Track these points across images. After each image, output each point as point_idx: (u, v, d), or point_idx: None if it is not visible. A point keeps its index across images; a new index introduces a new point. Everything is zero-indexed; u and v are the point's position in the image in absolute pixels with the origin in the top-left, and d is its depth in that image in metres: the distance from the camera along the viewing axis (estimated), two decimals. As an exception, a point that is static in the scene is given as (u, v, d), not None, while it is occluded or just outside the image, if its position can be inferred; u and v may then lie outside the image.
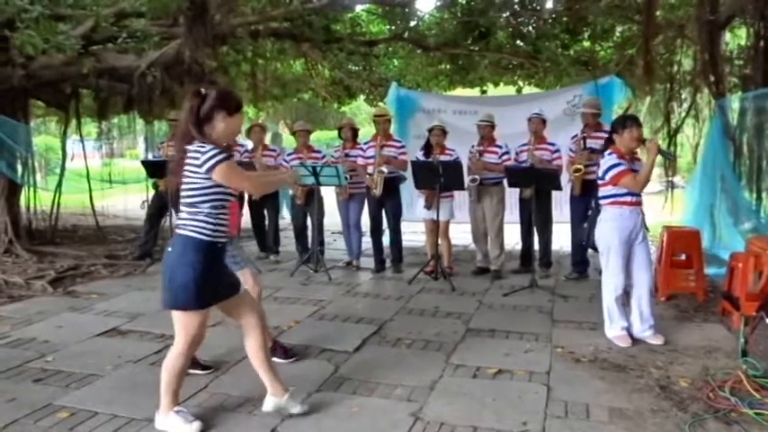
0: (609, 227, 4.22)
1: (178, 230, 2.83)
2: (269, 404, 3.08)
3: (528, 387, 3.47)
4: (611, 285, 4.25)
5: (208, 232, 2.79)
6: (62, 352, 4.00)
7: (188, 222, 2.80)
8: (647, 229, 4.40)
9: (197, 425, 2.91)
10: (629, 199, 4.16)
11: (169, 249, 2.84)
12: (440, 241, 6.33)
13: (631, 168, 4.15)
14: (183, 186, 2.80)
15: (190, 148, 2.77)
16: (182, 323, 2.89)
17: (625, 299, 4.31)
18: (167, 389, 2.93)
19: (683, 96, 8.61)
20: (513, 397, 3.32)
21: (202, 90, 2.83)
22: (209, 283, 2.82)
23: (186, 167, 2.77)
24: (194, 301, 2.82)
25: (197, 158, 2.73)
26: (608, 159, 4.20)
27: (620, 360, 3.88)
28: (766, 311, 3.46)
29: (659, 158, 4.25)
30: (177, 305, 2.84)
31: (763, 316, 3.42)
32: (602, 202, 4.29)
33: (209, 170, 2.72)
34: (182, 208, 2.83)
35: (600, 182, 4.29)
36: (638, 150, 4.36)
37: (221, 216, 2.85)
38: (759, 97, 6.32)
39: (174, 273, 2.78)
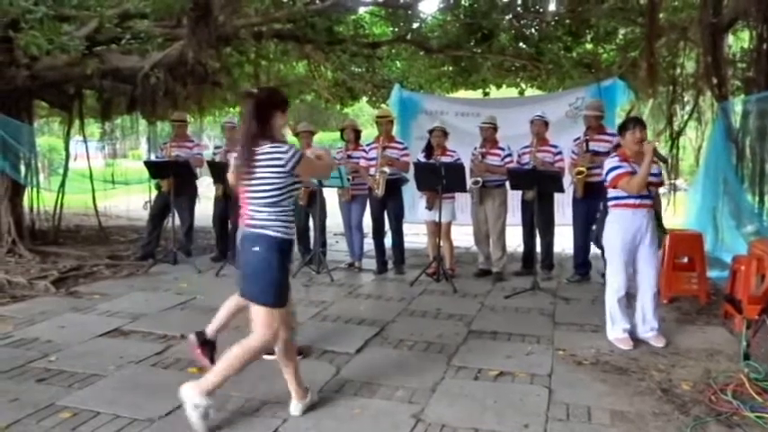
0: (613, 228, 4.23)
1: (260, 230, 2.90)
2: (296, 408, 3.13)
3: (529, 389, 3.47)
4: (613, 287, 4.25)
5: (287, 230, 2.94)
6: (65, 352, 4.01)
7: (271, 222, 2.90)
8: (664, 231, 4.40)
9: (206, 425, 2.88)
10: (632, 201, 4.16)
11: (256, 249, 2.89)
12: (441, 243, 6.33)
13: (632, 171, 4.15)
14: (261, 188, 2.89)
15: (263, 150, 2.86)
16: (264, 319, 2.94)
17: (628, 301, 4.30)
18: (225, 370, 2.92)
19: (685, 99, 8.60)
20: (514, 399, 3.32)
21: (254, 92, 2.97)
22: (287, 281, 3.01)
23: (263, 169, 2.86)
24: (280, 300, 2.95)
25: (279, 158, 2.85)
26: (610, 161, 4.24)
27: (622, 363, 3.88)
28: (768, 315, 3.46)
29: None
30: (267, 302, 2.92)
31: (765, 319, 3.42)
32: (608, 204, 4.30)
33: (294, 166, 2.87)
34: (259, 209, 2.91)
35: (605, 184, 4.30)
36: None
37: (292, 212, 3.00)
38: (762, 100, 6.31)
39: (262, 271, 2.89)
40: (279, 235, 2.90)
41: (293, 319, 3.36)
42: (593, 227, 4.66)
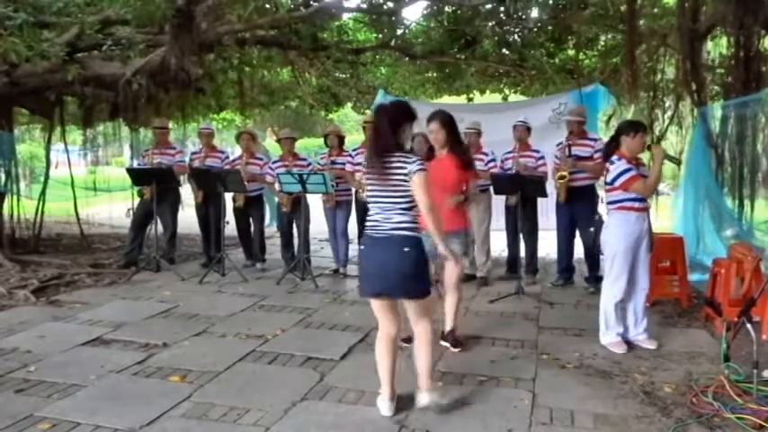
0: (615, 232, 4.20)
1: (405, 232, 3.11)
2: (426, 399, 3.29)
3: (514, 394, 3.47)
4: (611, 291, 4.23)
5: (419, 231, 3.18)
6: (44, 362, 3.96)
7: (412, 224, 3.14)
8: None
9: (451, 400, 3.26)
10: (636, 205, 4.16)
11: (407, 249, 3.09)
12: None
13: (641, 174, 4.17)
14: (398, 194, 3.10)
15: (394, 158, 3.09)
16: (426, 307, 3.24)
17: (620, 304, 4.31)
18: (429, 364, 3.23)
19: (666, 104, 8.71)
20: (498, 404, 3.33)
21: (388, 105, 3.29)
22: None
23: (398, 177, 3.08)
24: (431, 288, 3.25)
25: (404, 167, 3.08)
26: (618, 165, 4.16)
27: (605, 366, 3.90)
28: (748, 317, 3.49)
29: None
30: (427, 294, 3.19)
31: (744, 321, 3.45)
32: (609, 207, 4.28)
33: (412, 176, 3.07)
34: (399, 213, 3.12)
35: (607, 187, 4.26)
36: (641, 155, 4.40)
37: None
38: (740, 105, 6.41)
39: (421, 269, 3.14)
40: (419, 235, 3.15)
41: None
42: (591, 230, 4.64)
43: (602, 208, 4.54)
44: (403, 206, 3.12)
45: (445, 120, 4.24)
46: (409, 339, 4.26)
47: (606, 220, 4.34)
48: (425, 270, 3.19)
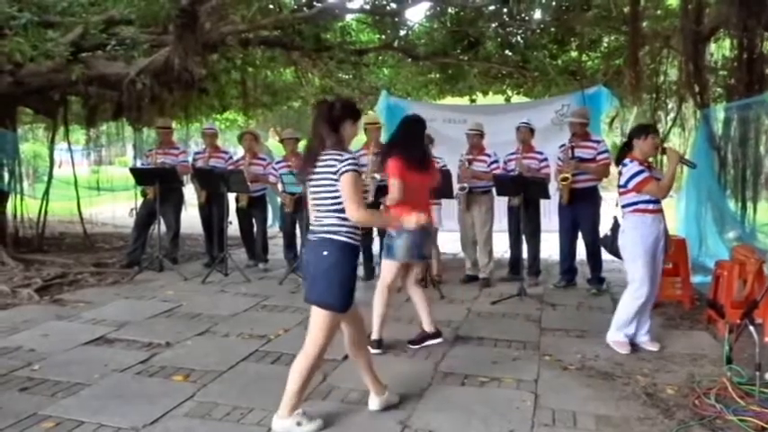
0: (632, 236, 4.19)
1: (329, 235, 2.91)
2: (374, 403, 3.24)
3: (516, 395, 3.48)
4: (636, 294, 4.18)
5: (354, 236, 2.96)
6: (48, 360, 3.97)
7: (339, 227, 2.91)
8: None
9: (317, 425, 3.00)
10: (651, 207, 4.15)
11: (325, 253, 2.90)
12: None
13: (653, 176, 4.17)
14: (326, 194, 2.91)
15: (324, 156, 2.90)
16: (326, 324, 2.95)
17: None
18: (295, 388, 2.96)
19: (669, 106, 8.71)
20: (500, 405, 3.33)
21: (327, 100, 3.10)
22: (354, 286, 3.01)
23: (325, 176, 2.89)
24: (345, 303, 2.95)
25: (333, 165, 2.87)
26: (631, 167, 4.17)
27: (608, 368, 3.91)
28: (750, 319, 3.49)
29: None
30: (335, 307, 2.93)
31: (747, 323, 3.45)
32: (624, 210, 4.28)
33: (341, 175, 2.85)
34: (326, 215, 2.93)
35: (621, 189, 4.26)
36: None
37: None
38: (743, 107, 6.40)
39: (331, 274, 2.90)
40: (348, 240, 2.93)
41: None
42: (608, 233, 4.62)
43: (617, 211, 4.52)
44: (331, 207, 2.91)
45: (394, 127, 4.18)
46: (413, 342, 4.30)
47: (622, 223, 4.34)
48: (338, 281, 2.90)
